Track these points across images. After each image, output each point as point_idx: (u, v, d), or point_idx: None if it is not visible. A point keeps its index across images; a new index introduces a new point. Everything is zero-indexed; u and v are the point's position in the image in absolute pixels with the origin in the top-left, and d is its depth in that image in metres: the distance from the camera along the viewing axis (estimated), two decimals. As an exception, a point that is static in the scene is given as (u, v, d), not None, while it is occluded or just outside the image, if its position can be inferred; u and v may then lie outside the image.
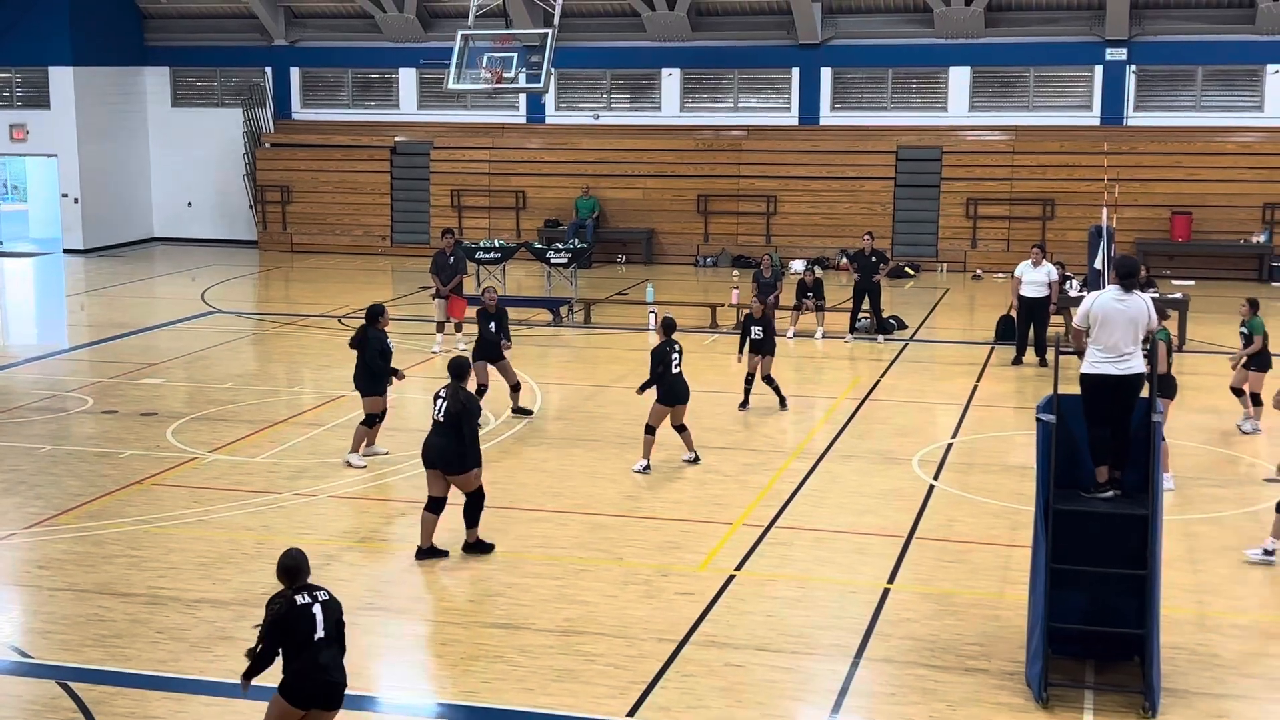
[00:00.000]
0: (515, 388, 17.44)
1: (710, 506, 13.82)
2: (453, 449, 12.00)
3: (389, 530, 13.26)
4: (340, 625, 8.01)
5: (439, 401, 12.13)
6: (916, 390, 19.55)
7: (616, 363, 19.85)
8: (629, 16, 33.22)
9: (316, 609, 7.88)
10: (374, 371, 15.02)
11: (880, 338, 23.02)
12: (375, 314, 15.12)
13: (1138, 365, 9.91)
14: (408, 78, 35.35)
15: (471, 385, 13.66)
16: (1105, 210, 22.01)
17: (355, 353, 15.11)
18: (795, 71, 32.97)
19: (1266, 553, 11.96)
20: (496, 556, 12.28)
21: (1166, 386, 14.37)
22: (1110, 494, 9.77)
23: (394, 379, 15.27)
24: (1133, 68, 30.92)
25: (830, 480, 14.75)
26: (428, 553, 12.16)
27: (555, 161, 33.99)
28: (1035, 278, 20.70)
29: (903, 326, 24.05)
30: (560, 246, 27.32)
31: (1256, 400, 16.68)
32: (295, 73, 36.23)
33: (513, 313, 24.76)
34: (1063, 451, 9.79)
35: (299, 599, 7.85)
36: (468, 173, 34.52)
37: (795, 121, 33.12)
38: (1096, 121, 31.32)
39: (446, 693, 9.72)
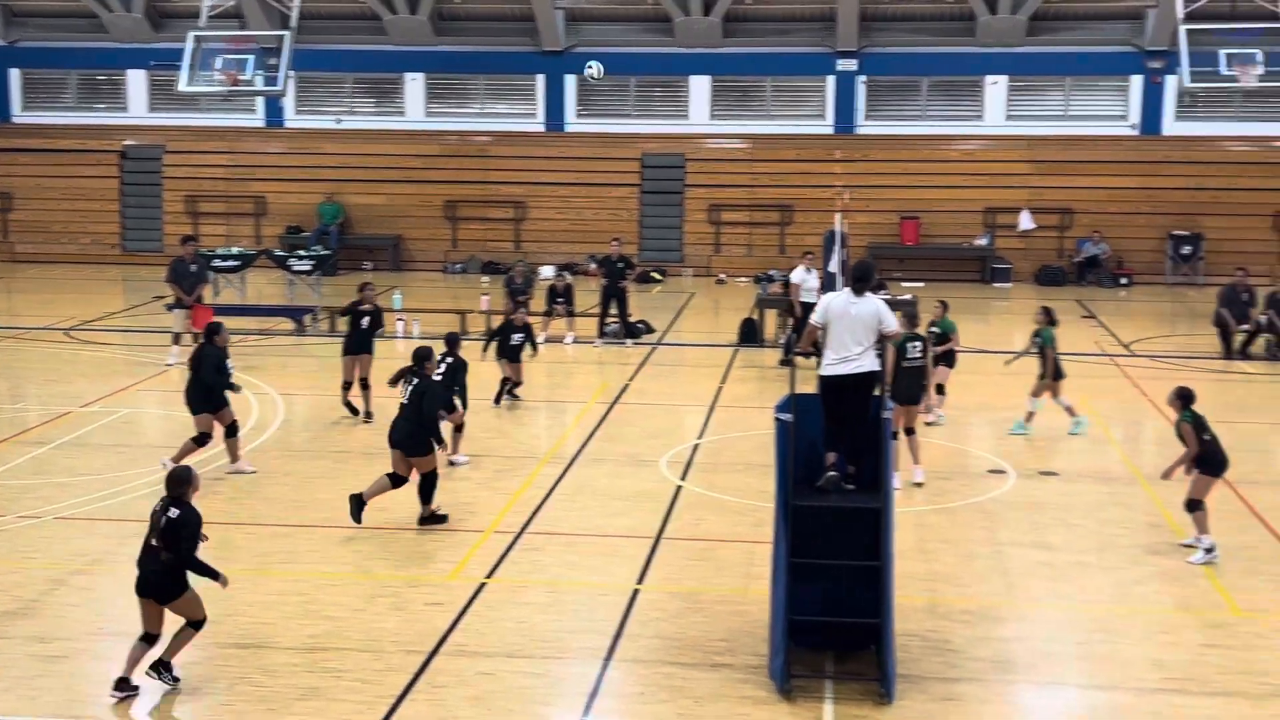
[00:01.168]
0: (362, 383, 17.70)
1: (461, 514, 13.69)
2: (415, 431, 12.90)
3: (121, 551, 12.66)
4: (173, 542, 9.33)
5: (405, 385, 13.14)
6: (664, 393, 19.85)
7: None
8: (370, 19, 32.75)
9: (163, 520, 9.37)
10: (209, 387, 14.60)
11: (629, 342, 23.30)
12: (213, 331, 14.92)
13: (868, 364, 10.29)
14: (137, 79, 33.97)
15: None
16: (838, 216, 22.77)
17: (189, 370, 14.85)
18: (540, 78, 33.08)
19: (1207, 551, 12.27)
20: (238, 574, 11.87)
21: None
22: (835, 474, 10.11)
23: (232, 392, 14.97)
24: (863, 78, 32.20)
25: (581, 484, 14.82)
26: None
27: (296, 166, 33.24)
28: (813, 283, 21.19)
29: (650, 330, 24.40)
30: (303, 253, 26.68)
31: (940, 390, 17.61)
32: (15, 74, 34.39)
33: (253, 322, 24.13)
34: (801, 449, 10.09)
35: (159, 505, 9.49)
36: (203, 178, 33.44)
37: (542, 128, 33.24)
38: (830, 130, 32.49)
39: (184, 717, 9.34)
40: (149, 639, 9.52)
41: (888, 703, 9.44)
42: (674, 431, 17.40)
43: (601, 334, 23.49)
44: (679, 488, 14.73)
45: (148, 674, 9.52)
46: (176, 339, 20.95)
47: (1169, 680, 9.90)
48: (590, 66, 24.54)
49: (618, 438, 16.92)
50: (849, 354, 10.27)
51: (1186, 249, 30.94)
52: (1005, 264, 31.30)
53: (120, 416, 17.65)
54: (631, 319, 23.96)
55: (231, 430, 14.98)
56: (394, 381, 14.11)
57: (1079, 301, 28.42)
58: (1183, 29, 25.18)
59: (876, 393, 10.35)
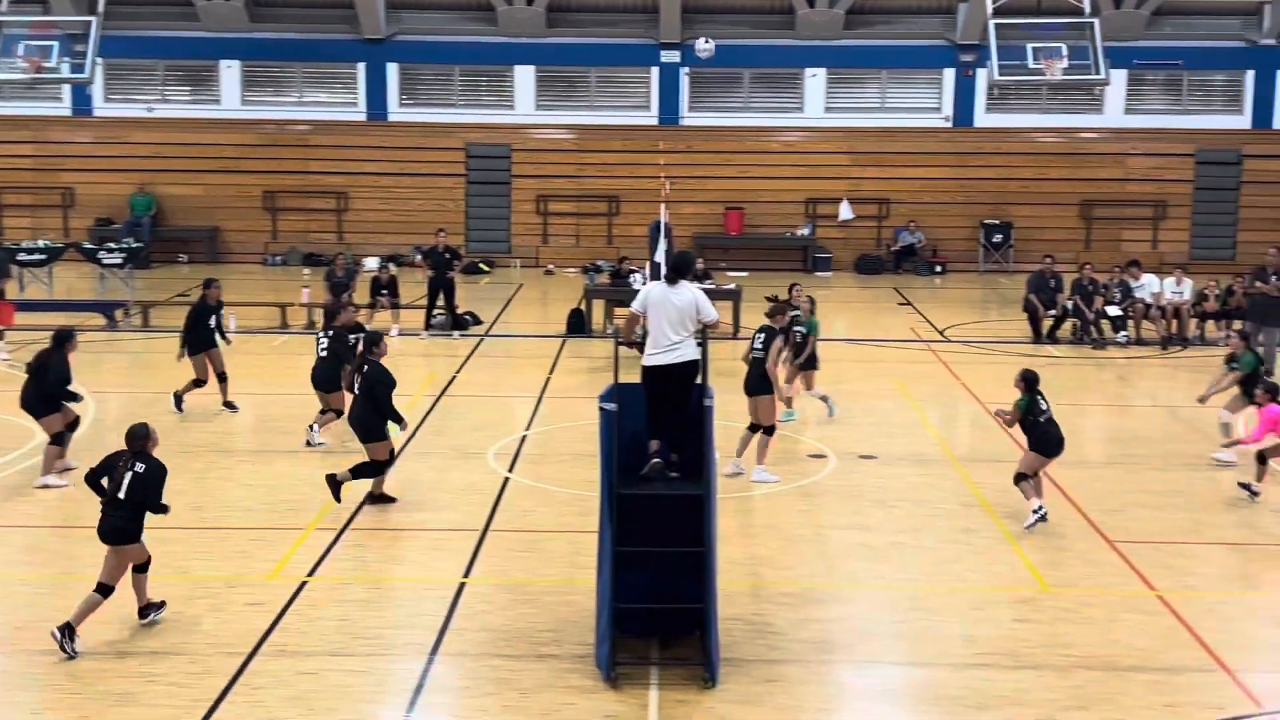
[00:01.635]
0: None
1: (283, 512, 13.43)
2: (367, 418, 13.31)
3: (-80, 559, 12.10)
4: (141, 495, 10.33)
5: (356, 375, 13.61)
6: (492, 384, 19.76)
7: (178, 368, 18.91)
8: (182, 5, 31.83)
9: (128, 475, 10.32)
10: (49, 395, 14.19)
11: (455, 334, 23.12)
12: (64, 339, 14.44)
13: (688, 354, 10.39)
14: (-66, 65, 32.36)
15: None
16: (663, 207, 22.98)
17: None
18: (361, 66, 32.59)
19: (1035, 512, 12.89)
20: (47, 579, 11.45)
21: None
22: (658, 461, 10.20)
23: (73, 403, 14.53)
24: (686, 70, 32.48)
25: (407, 478, 14.63)
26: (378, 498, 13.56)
27: (106, 156, 32.15)
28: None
29: (478, 322, 24.26)
30: (114, 246, 25.86)
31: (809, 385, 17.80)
32: None
33: (62, 317, 23.22)
34: (625, 439, 10.14)
35: (124, 461, 10.39)
36: (7, 169, 32.09)
37: (364, 117, 32.74)
38: (655, 121, 32.70)
39: (-11, 731, 8.99)
40: (104, 590, 10.30)
41: (712, 686, 9.56)
42: (502, 423, 17.34)
43: (428, 326, 23.26)
44: (506, 479, 14.68)
45: (144, 623, 10.51)
46: None
47: (981, 655, 10.24)
48: (704, 45, 24.37)
49: (444, 430, 16.78)
50: (669, 343, 10.37)
51: (997, 237, 32.00)
52: (826, 253, 31.94)
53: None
54: (459, 311, 23.77)
55: (60, 438, 14.39)
56: (350, 381, 14.30)
57: (896, 289, 29.17)
58: (992, 23, 25.98)
59: (698, 381, 10.47)
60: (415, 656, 10.09)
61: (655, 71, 32.57)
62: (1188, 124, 32.54)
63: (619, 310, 22.10)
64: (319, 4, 32.29)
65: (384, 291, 23.19)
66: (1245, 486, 14.09)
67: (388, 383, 13.44)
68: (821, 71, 32.60)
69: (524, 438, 16.53)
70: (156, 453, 10.71)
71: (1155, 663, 10.15)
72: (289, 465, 15.12)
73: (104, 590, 10.25)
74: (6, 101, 32.23)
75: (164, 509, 10.63)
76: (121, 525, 10.36)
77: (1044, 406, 13.04)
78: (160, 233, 31.48)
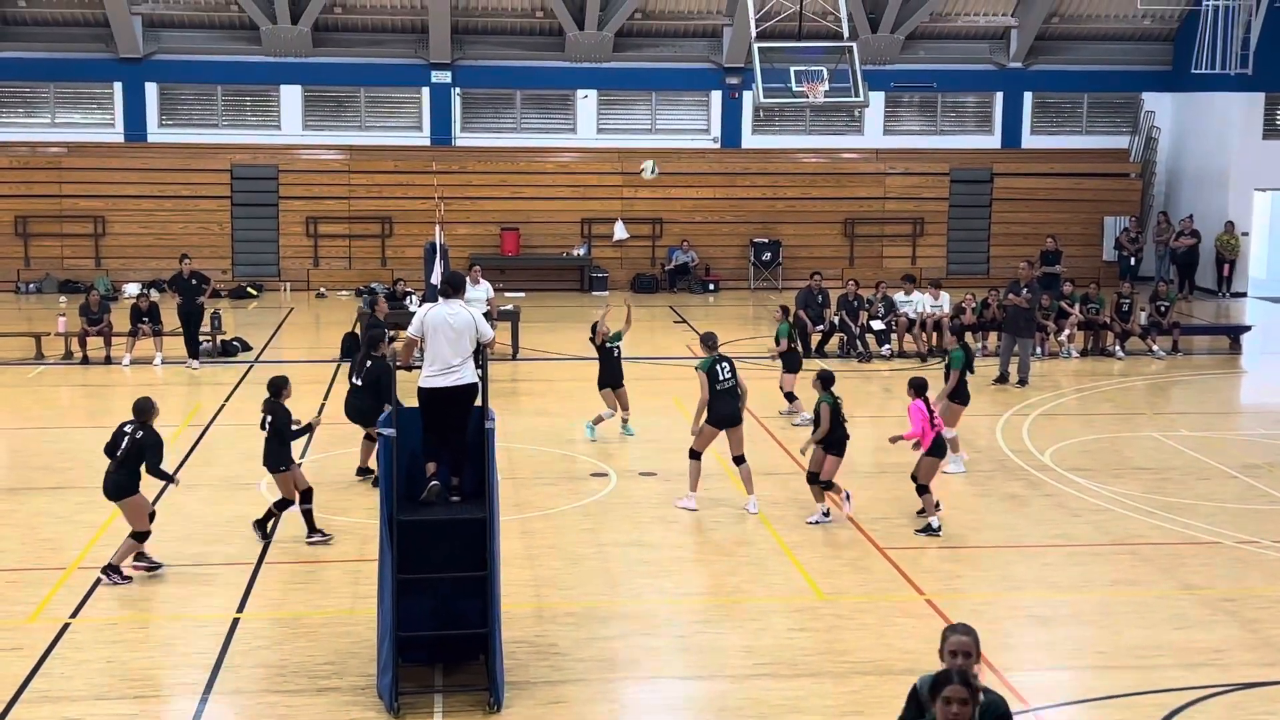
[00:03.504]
0: None
1: (41, 552, 12.81)
2: (370, 409, 14.45)
3: None
4: (130, 455, 11.91)
5: (357, 367, 15.20)
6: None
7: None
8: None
9: (125, 439, 11.99)
10: None
11: (195, 362, 22.21)
12: None
13: (468, 376, 10.33)
14: None
15: None
16: (438, 227, 22.81)
17: None
18: (118, 86, 31.37)
19: (825, 514, 13.64)
20: None
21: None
22: (437, 484, 10.10)
23: None
24: (457, 90, 32.33)
25: (174, 511, 14.11)
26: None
27: None
28: (475, 295, 20.95)
29: (247, 348, 23.59)
30: None
31: (791, 397, 18.52)
32: None
33: None
34: (404, 463, 10.01)
35: (128, 427, 12.07)
36: None
37: (121, 138, 31.52)
38: (428, 141, 32.43)
39: None
40: (139, 537, 12.03)
41: (496, 711, 9.51)
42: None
43: (194, 355, 22.45)
44: (277, 509, 14.27)
45: (100, 575, 11.86)
46: None
47: (760, 665, 10.46)
48: (645, 167, 24.47)
49: (214, 461, 16.27)
50: (449, 365, 10.28)
51: (767, 255, 32.78)
52: (603, 272, 32.17)
53: None
54: (219, 338, 23.08)
55: None
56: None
57: (671, 307, 29.60)
58: (755, 47, 26.62)
59: (477, 404, 10.41)
60: (188, 696, 9.74)
61: (426, 92, 32.32)
62: (942, 144, 33.99)
63: (400, 335, 21.81)
64: (71, 23, 30.96)
65: (145, 319, 22.34)
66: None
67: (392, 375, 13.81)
68: (593, 93, 32.87)
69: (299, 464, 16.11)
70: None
71: (926, 665, 10.51)
72: (47, 503, 14.42)
73: (138, 537, 12.02)
74: None
75: (160, 472, 12.19)
76: (122, 482, 11.98)
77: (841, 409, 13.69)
78: (-100, 261, 29.67)
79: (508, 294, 29.07)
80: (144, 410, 12.28)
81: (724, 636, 11.03)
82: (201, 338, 22.89)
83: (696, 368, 14.36)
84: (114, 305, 24.59)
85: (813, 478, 13.70)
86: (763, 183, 33.11)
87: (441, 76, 32.11)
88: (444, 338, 10.33)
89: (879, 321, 24.14)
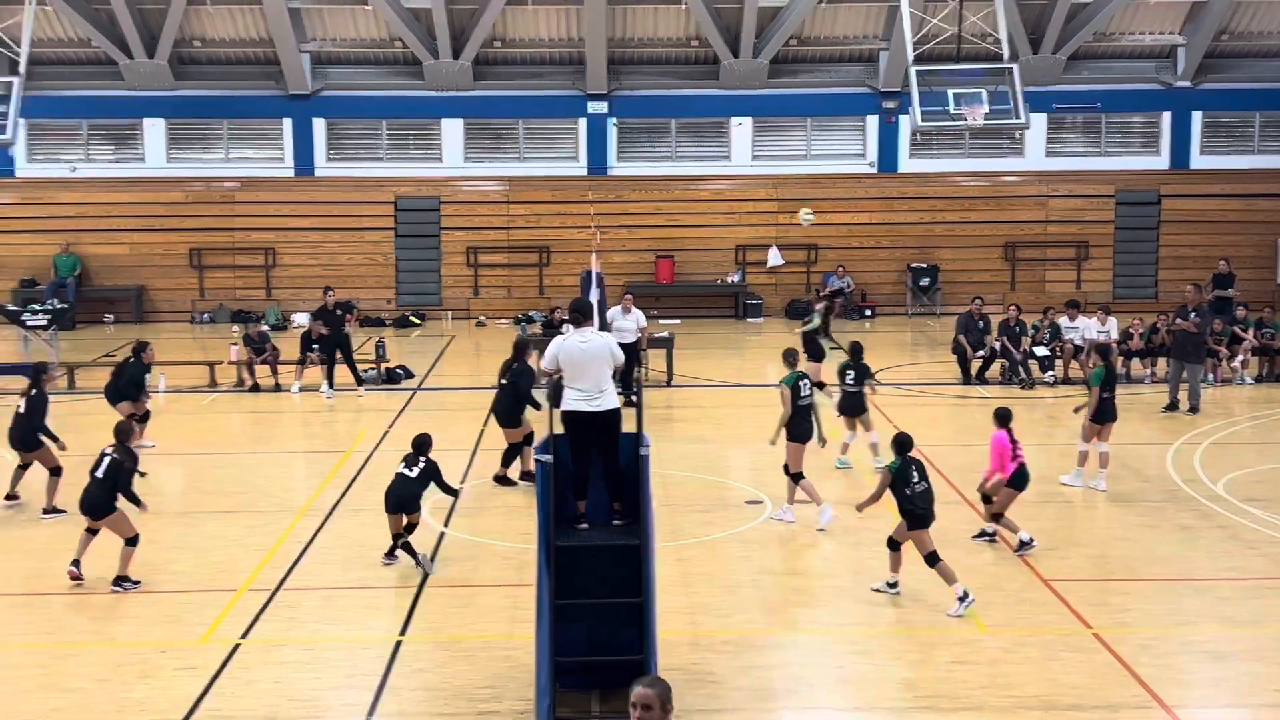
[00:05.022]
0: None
1: (213, 574, 13.22)
2: (511, 409, 16.17)
3: None
4: (110, 477, 12.61)
5: (504, 369, 16.62)
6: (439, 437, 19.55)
7: (105, 429, 18.66)
8: (105, 64, 31.55)
9: (105, 460, 12.71)
10: (36, 429, 15.53)
11: (361, 390, 22.77)
12: (41, 371, 16.17)
13: (610, 401, 10.35)
14: None
15: None
16: (594, 256, 23.04)
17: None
18: (288, 122, 32.45)
19: (890, 585, 12.56)
20: (-31, 651, 11.17)
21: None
22: (585, 526, 10.17)
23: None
24: (613, 120, 32.67)
25: (339, 536, 14.48)
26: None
27: (29, 217, 31.73)
28: (626, 324, 21.17)
29: (410, 375, 24.11)
30: (38, 308, 25.42)
31: (821, 385, 18.64)
32: None
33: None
34: (562, 490, 10.09)
35: (108, 449, 12.87)
36: (-73, 231, 31.54)
37: (291, 172, 32.58)
38: (584, 171, 32.82)
39: (-89, 810, 8.72)
40: (91, 532, 12.90)
41: (653, 739, 9.47)
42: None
43: (360, 381, 23.04)
44: (442, 534, 14.54)
45: (113, 589, 12.51)
46: None
47: (921, 699, 10.25)
48: (802, 217, 25.57)
49: (378, 486, 16.47)
50: (588, 391, 10.33)
51: (925, 280, 32.37)
52: (757, 299, 32.13)
53: None
54: (389, 365, 23.65)
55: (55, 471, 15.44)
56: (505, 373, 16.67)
57: (827, 334, 29.34)
58: (913, 71, 26.38)
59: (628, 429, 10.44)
60: (353, 717, 9.93)
61: (583, 122, 32.74)
62: (1107, 165, 33.18)
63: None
64: (243, 61, 32.17)
65: (314, 347, 22.99)
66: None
67: (531, 377, 16.65)
68: (748, 120, 32.92)
69: (459, 491, 16.39)
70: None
71: (1094, 700, 10.21)
72: (219, 526, 14.89)
73: (132, 543, 12.74)
74: (-75, 163, 31.78)
75: (130, 493, 12.88)
76: (100, 500, 12.72)
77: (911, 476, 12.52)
78: (86, 293, 31.08)
79: (662, 321, 29.22)
80: (124, 432, 13.22)
81: (883, 668, 10.86)
82: (366, 366, 23.47)
83: (779, 382, 14.84)
84: (281, 334, 25.35)
85: (893, 544, 12.88)
86: (920, 207, 32.73)
87: (598, 107, 32.48)
88: (585, 366, 10.39)
89: (1043, 347, 23.59)
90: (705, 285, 32.41)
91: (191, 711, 9.98)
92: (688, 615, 11.98)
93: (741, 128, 33.02)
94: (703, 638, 11.45)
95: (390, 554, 13.38)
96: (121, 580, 12.66)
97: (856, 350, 17.58)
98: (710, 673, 10.69)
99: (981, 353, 23.70)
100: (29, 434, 15.54)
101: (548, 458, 9.97)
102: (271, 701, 10.19)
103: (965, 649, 11.24)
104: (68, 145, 32.56)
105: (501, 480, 16.47)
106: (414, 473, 13.42)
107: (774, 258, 32.34)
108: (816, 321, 20.48)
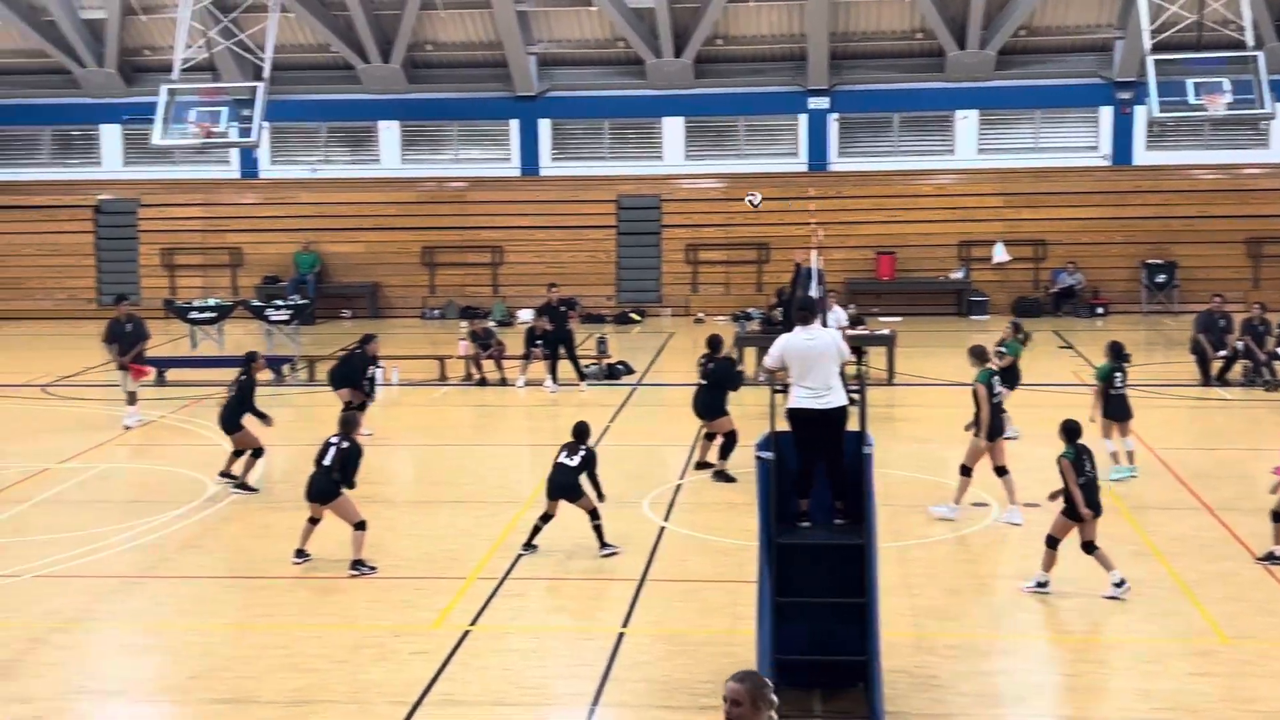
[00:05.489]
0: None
1: (444, 562, 13.63)
2: (710, 404, 16.55)
3: (100, 608, 12.55)
4: (341, 465, 13.23)
5: (700, 366, 16.91)
6: (645, 433, 19.81)
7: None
8: (343, 69, 32.85)
9: (331, 450, 13.32)
10: (242, 411, 16.57)
11: (583, 385, 23.12)
12: (250, 359, 17.29)
13: (837, 399, 10.27)
14: (111, 135, 33.96)
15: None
16: (814, 253, 22.86)
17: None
18: (514, 123, 33.21)
19: (1040, 584, 12.29)
20: (217, 630, 11.78)
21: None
22: (807, 524, 10.10)
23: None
24: (834, 115, 32.39)
25: (564, 529, 14.71)
26: None
27: (272, 216, 33.26)
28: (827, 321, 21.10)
29: (630, 371, 24.39)
30: (280, 303, 26.64)
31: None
32: (-12, 130, 34.34)
33: (230, 373, 24.04)
34: (783, 487, 10.07)
35: (332, 439, 13.48)
36: (179, 230, 33.39)
37: (517, 172, 33.34)
38: (804, 167, 32.65)
39: (168, 777, 9.24)
40: (314, 522, 13.49)
41: (876, 740, 9.39)
42: (655, 472, 17.36)
43: (582, 375, 23.43)
44: (662, 529, 14.68)
45: (351, 573, 13.05)
46: (131, 399, 20.42)
47: (1157, 710, 9.88)
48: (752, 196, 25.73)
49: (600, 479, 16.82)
50: (818, 389, 10.27)
51: (1161, 277, 31.13)
52: (982, 296, 31.42)
53: (97, 472, 17.54)
54: (610, 360, 23.98)
55: (257, 453, 16.47)
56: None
57: (1056, 332, 28.54)
58: (1150, 59, 25.40)
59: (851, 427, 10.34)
60: (577, 706, 10.11)
61: (804, 119, 32.56)
62: (1361, 156, 31.33)
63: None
64: (473, 64, 33.06)
65: (538, 342, 23.47)
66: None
67: (735, 376, 17.13)
68: (973, 113, 32.22)
69: (678, 486, 16.53)
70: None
71: (1345, 719, 9.67)
72: (450, 516, 15.35)
73: (359, 526, 13.27)
74: (178, 165, 33.63)
75: (353, 484, 13.37)
76: (324, 487, 13.29)
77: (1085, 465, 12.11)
78: (324, 289, 32.42)
79: (883, 319, 28.85)
80: (349, 423, 13.78)
81: (1115, 677, 10.50)
82: (588, 361, 23.86)
83: (975, 380, 14.65)
84: (507, 330, 25.96)
85: (1052, 541, 12.27)
86: (1155, 201, 31.51)
87: (819, 103, 32.27)
88: (807, 363, 10.33)
89: (1290, 348, 22.44)
90: (928, 282, 31.86)
91: (424, 695, 10.32)
92: (910, 617, 11.80)
93: (966, 121, 32.33)
94: (925, 640, 11.27)
95: (528, 544, 13.71)
96: (359, 564, 13.15)
97: (1118, 351, 16.79)
98: (935, 676, 10.51)
99: (1223, 353, 22.65)
100: (232, 417, 16.48)
101: (769, 454, 9.96)
102: (500, 688, 10.45)
103: (1205, 660, 10.78)
104: (308, 147, 34.01)
105: (719, 476, 16.50)
106: (574, 461, 13.62)
107: (999, 254, 31.57)
108: (1019, 350, 19.44)
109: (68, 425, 20.55)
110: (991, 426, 14.59)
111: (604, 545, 13.57)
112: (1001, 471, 14.68)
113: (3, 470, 18.02)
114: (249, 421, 16.58)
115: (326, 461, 13.34)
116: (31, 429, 20.39)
